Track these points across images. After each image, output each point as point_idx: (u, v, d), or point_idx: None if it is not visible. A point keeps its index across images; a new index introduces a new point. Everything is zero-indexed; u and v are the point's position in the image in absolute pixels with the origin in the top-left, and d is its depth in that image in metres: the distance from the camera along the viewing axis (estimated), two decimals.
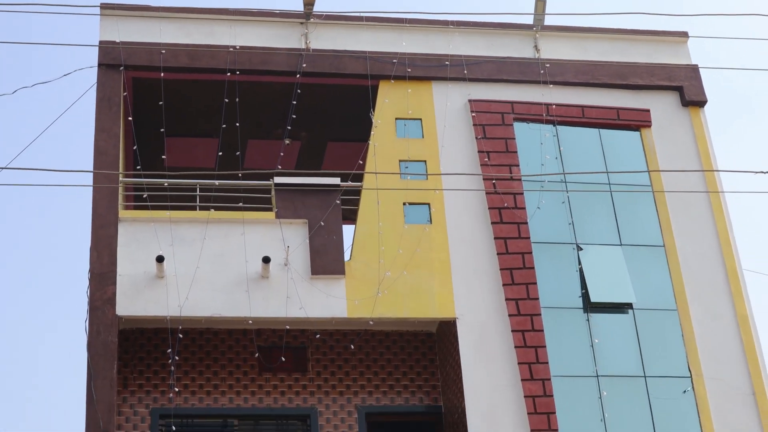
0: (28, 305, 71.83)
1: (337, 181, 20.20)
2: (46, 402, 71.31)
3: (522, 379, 18.95)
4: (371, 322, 19.54)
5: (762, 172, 16.63)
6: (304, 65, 21.10)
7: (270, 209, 19.91)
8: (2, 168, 15.93)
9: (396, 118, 21.15)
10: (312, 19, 21.53)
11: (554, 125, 21.57)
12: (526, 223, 20.39)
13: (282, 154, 22.19)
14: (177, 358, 19.31)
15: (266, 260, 18.94)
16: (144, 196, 20.90)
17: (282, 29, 21.61)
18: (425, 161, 20.77)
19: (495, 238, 20.17)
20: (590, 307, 19.98)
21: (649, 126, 22.03)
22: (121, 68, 20.52)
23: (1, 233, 69.36)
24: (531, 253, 20.14)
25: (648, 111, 22.19)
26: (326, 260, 19.43)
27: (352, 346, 20.40)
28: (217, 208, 19.99)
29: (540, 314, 19.59)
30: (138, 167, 21.44)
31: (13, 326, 69.36)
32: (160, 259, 18.65)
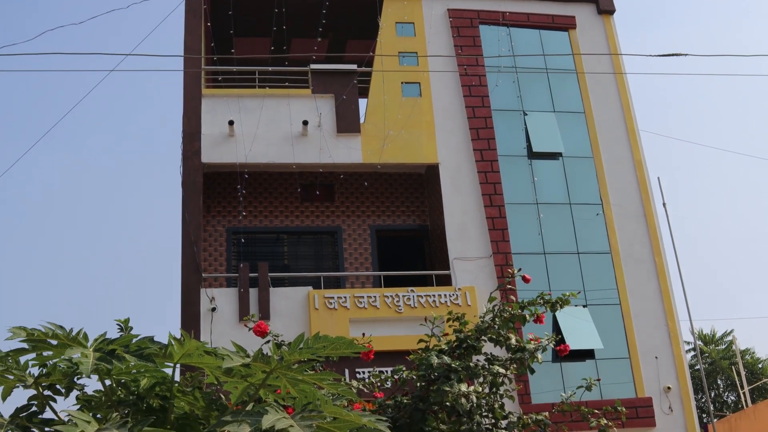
0: (146, 157, 71.79)
1: (354, 67, 19.71)
2: (156, 223, 71.74)
3: (484, 206, 18.67)
4: (379, 166, 19.22)
5: (651, 55, 16.29)
6: None
7: (307, 87, 19.39)
8: (128, 54, 16.01)
9: (396, 22, 20.42)
10: None
11: (508, 27, 20.78)
12: (488, 96, 19.86)
13: (316, 48, 21.73)
14: (244, 192, 19.12)
15: (305, 123, 18.65)
16: (219, 78, 20.71)
17: None
18: (416, 52, 20.10)
19: (465, 107, 19.65)
20: (532, 155, 19.57)
21: (575, 28, 21.26)
22: None
23: (125, 106, 68.87)
24: (491, 117, 19.66)
25: (574, 17, 21.38)
26: (347, 123, 18.99)
27: (366, 183, 20.08)
28: (270, 86, 19.62)
29: (497, 160, 19.21)
30: (215, 58, 20.94)
31: (137, 172, 69.29)
32: (231, 123, 18.41)
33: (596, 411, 6.86)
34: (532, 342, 6.48)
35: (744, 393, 29.26)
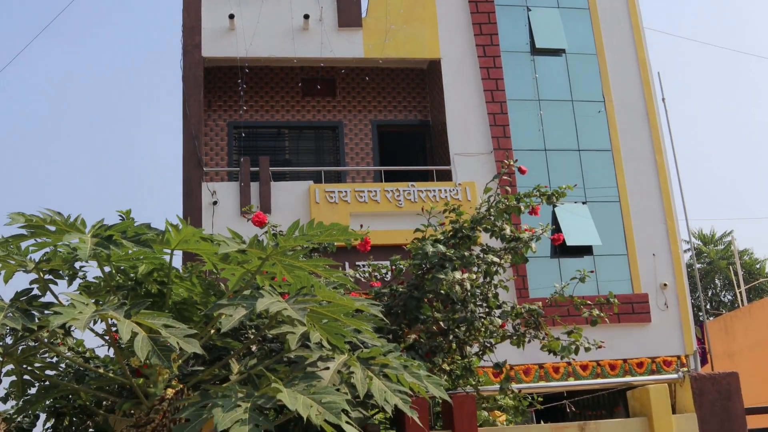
0: (147, 52, 71.27)
1: None
2: (158, 117, 71.60)
3: (486, 101, 18.55)
4: (381, 61, 19.01)
5: None
6: None
7: None
8: None
9: None
10: None
11: None
12: None
13: None
14: (245, 86, 18.99)
15: (306, 17, 18.43)
16: None
17: None
18: None
19: (468, 2, 19.32)
20: (535, 51, 19.32)
21: None
22: None
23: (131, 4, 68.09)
24: (494, 12, 19.32)
25: None
26: (349, 17, 18.73)
27: (367, 78, 19.90)
28: None
29: (500, 56, 18.97)
30: None
31: (138, 66, 68.88)
32: (231, 16, 18.20)
33: (589, 302, 6.95)
34: (527, 232, 6.54)
35: (740, 292, 29.60)
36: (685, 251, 28.72)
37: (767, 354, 22.62)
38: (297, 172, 18.91)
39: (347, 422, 3.83)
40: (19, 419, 6.76)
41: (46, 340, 4.95)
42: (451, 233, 6.53)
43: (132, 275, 5.08)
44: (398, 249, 9.29)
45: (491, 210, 6.62)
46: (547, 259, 17.52)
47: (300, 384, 4.00)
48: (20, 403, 5.67)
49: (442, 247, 6.11)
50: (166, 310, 4.82)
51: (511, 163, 6.83)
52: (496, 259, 6.39)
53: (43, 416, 6.60)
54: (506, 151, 17.91)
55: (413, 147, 20.46)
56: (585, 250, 17.94)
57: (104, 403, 5.76)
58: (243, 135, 19.28)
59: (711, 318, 29.62)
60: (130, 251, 4.80)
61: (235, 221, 16.21)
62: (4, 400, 6.20)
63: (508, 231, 6.49)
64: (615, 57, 19.56)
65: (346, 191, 17.21)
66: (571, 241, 17.51)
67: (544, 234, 6.59)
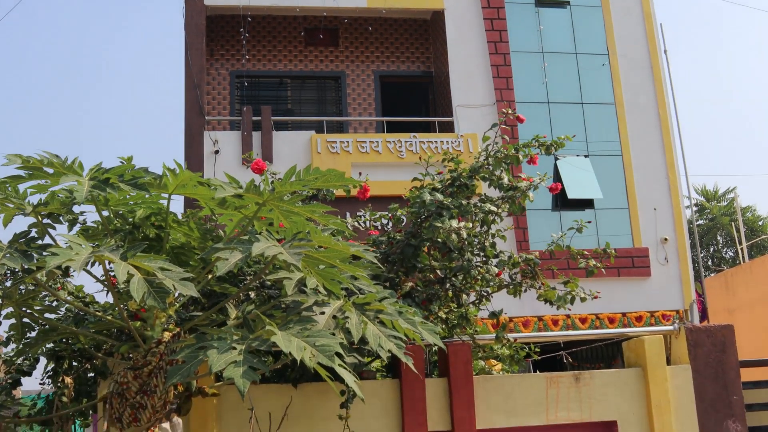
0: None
1: None
2: (160, 65, 71.35)
3: (489, 53, 18.43)
4: (384, 11, 18.88)
5: None
6: None
7: None
8: None
9: None
10: None
11: None
12: None
13: None
14: (247, 35, 18.86)
15: None
16: None
17: None
18: None
19: None
20: (539, 2, 19.15)
21: None
22: None
23: None
24: None
25: None
26: None
27: (370, 28, 19.75)
28: None
29: (504, 7, 18.80)
30: None
31: (143, 11, 68.41)
32: None
33: (585, 253, 6.97)
34: (524, 181, 6.54)
35: (742, 249, 29.59)
36: (686, 207, 28.73)
37: (767, 310, 22.68)
38: (299, 122, 18.86)
39: (340, 365, 3.87)
40: (19, 362, 6.83)
41: (44, 282, 4.98)
42: (449, 182, 6.54)
43: (130, 219, 5.10)
44: (400, 200, 9.31)
45: (489, 159, 6.62)
46: (548, 212, 17.54)
47: (295, 327, 4.03)
48: (20, 345, 5.72)
49: (439, 196, 6.12)
50: (163, 255, 4.84)
51: (510, 112, 6.80)
52: (493, 208, 6.40)
53: (43, 360, 6.66)
54: (509, 103, 17.84)
55: (416, 98, 20.37)
56: (586, 204, 17.94)
57: (103, 346, 5.81)
58: (245, 84, 19.20)
59: (712, 274, 29.66)
60: (127, 195, 4.81)
61: (237, 170, 16.20)
62: (5, 343, 6.26)
63: (506, 180, 6.49)
64: (620, 10, 19.38)
65: (348, 141, 17.17)
66: (572, 194, 17.52)
67: (542, 183, 6.59)
